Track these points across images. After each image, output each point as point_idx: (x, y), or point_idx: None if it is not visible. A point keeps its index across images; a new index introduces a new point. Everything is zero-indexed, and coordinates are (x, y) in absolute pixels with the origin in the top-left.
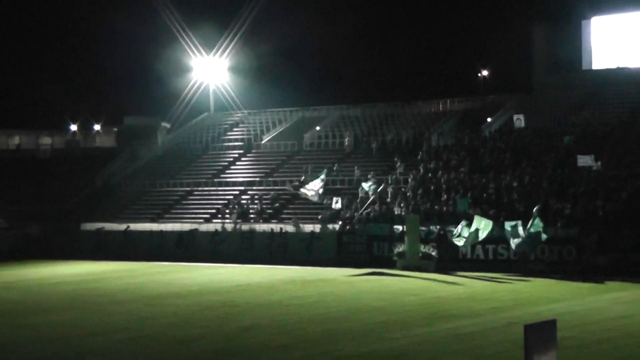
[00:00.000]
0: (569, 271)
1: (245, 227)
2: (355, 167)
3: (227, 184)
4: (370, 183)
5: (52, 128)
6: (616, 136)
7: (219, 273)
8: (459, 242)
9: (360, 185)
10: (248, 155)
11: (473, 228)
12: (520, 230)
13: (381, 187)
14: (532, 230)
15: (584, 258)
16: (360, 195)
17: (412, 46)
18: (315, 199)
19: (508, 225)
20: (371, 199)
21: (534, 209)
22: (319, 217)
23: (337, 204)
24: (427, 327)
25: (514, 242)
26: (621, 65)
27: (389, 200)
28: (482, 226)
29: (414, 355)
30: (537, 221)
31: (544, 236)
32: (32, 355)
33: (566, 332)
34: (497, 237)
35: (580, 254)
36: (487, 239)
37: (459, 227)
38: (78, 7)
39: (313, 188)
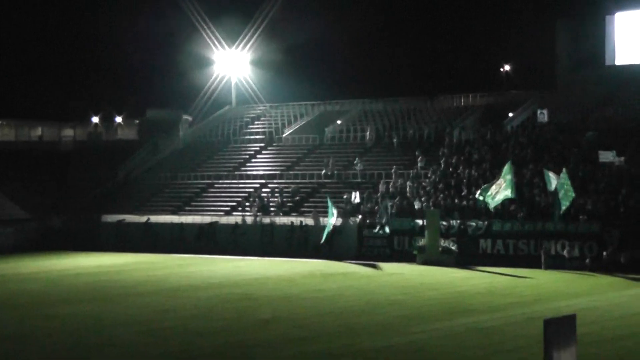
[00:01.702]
0: (590, 267)
1: (265, 220)
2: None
3: (248, 177)
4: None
5: (75, 120)
6: None
7: (239, 266)
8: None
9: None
10: (269, 148)
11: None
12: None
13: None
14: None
15: (605, 254)
16: (380, 190)
17: (434, 41)
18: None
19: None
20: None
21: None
22: (340, 210)
23: (356, 198)
24: (446, 321)
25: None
26: None
27: (409, 195)
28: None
29: (433, 350)
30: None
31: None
32: (54, 346)
33: (586, 327)
34: (521, 231)
35: (601, 250)
36: (508, 234)
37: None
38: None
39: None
